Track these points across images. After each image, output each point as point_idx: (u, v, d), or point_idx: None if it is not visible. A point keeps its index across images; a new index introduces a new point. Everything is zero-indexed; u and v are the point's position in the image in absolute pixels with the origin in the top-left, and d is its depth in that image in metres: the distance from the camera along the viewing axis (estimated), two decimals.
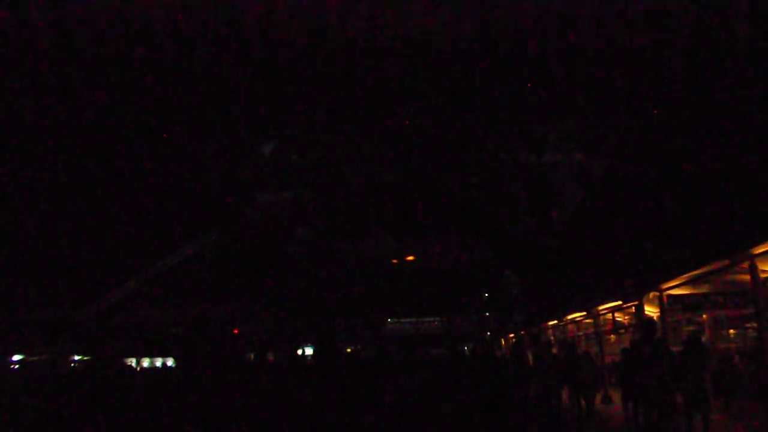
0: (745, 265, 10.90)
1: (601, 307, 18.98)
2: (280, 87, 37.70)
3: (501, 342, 39.29)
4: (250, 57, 36.63)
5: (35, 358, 30.47)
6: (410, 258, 47.48)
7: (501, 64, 36.68)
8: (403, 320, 50.24)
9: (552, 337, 27.75)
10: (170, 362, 30.08)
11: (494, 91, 37.69)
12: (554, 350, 18.11)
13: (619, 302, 17.20)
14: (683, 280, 13.48)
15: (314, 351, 25.48)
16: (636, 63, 35.54)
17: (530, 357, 13.87)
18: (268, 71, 37.06)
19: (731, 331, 18.61)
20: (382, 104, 39.38)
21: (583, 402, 12.08)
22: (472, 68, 37.30)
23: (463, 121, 39.94)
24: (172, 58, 35.92)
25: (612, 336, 21.97)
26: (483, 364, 11.66)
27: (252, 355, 16.59)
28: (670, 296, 14.42)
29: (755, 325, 13.32)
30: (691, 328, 17.56)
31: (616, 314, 19.47)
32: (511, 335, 36.93)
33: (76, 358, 33.65)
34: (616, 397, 11.93)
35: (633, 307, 16.70)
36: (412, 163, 42.08)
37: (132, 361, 34.03)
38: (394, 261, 47.39)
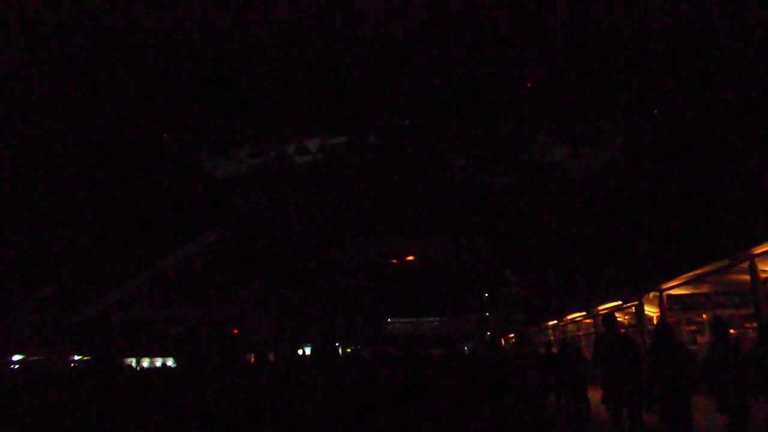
0: (745, 265, 10.93)
1: (601, 307, 19.01)
2: (281, 83, 37.18)
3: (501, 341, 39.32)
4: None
5: (35, 358, 30.45)
6: (410, 258, 47.45)
7: (499, 61, 36.45)
8: (403, 320, 50.33)
9: (552, 337, 27.77)
10: (170, 362, 30.04)
11: (494, 87, 37.38)
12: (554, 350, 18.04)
13: (619, 302, 17.23)
14: (683, 280, 13.51)
15: (312, 351, 25.49)
16: (637, 58, 35.28)
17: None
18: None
19: (731, 331, 18.56)
20: (380, 103, 39.20)
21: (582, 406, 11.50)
22: (470, 65, 37.03)
23: (463, 118, 39.76)
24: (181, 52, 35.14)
25: None
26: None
27: (252, 356, 16.59)
28: (670, 296, 14.46)
29: (755, 325, 13.31)
30: (692, 327, 17.53)
31: (616, 314, 19.48)
32: (511, 335, 36.98)
33: (76, 358, 33.62)
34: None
35: (633, 307, 16.72)
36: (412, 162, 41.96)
37: (132, 361, 33.99)
38: (394, 261, 47.36)
